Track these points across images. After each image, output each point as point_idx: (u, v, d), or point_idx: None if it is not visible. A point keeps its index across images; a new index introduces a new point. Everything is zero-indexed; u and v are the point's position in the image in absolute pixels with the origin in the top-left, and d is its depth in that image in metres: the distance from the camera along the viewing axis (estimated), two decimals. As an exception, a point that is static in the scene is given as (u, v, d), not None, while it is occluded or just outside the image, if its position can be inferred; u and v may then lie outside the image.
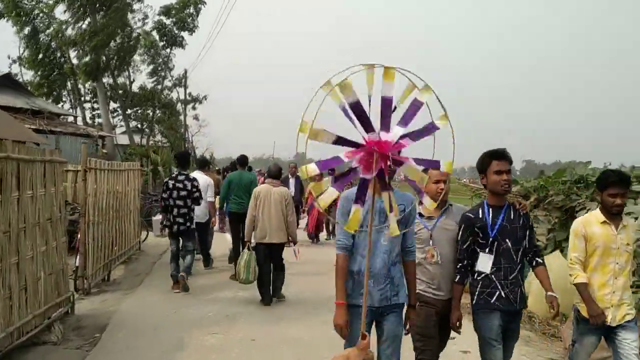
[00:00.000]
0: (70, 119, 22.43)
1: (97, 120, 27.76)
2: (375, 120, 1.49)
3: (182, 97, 27.73)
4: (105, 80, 26.73)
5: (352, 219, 1.61)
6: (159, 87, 27.57)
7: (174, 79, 28.04)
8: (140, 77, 46.91)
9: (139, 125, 28.78)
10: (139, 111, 26.84)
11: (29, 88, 23.91)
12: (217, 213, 10.95)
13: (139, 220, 11.52)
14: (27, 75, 28.10)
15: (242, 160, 9.61)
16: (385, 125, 1.49)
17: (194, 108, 28.76)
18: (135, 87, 27.74)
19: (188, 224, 8.03)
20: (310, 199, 12.01)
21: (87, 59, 21.34)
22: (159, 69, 29.43)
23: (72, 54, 22.76)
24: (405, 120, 1.51)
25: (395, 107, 1.53)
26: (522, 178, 11.33)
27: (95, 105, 27.10)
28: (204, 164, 10.53)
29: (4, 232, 4.62)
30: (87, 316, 6.42)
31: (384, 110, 1.47)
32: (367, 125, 1.48)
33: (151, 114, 26.83)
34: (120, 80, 27.57)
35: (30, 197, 5.22)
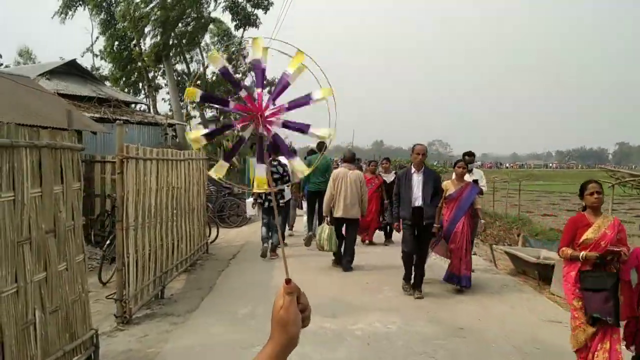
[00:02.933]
0: (144, 107, 21.43)
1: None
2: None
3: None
4: (178, 67, 25.59)
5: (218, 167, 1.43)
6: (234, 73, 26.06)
7: (249, 63, 26.33)
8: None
9: (216, 114, 27.54)
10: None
11: (107, 83, 23.19)
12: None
13: (204, 219, 9.79)
14: (105, 70, 27.58)
15: (320, 146, 9.76)
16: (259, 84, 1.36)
17: (269, 92, 26.94)
18: (209, 73, 26.44)
19: (279, 201, 9.16)
20: None
21: (156, 38, 20.18)
22: (233, 56, 28.03)
23: (142, 37, 21.58)
24: (274, 95, 1.37)
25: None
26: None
27: (167, 97, 25.89)
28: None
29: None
30: (116, 365, 4.61)
31: (257, 73, 1.38)
32: (237, 86, 1.37)
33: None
34: (194, 66, 26.42)
35: (11, 201, 3.41)
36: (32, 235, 3.63)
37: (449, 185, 7.39)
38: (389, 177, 11.17)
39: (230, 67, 1.34)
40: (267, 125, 1.37)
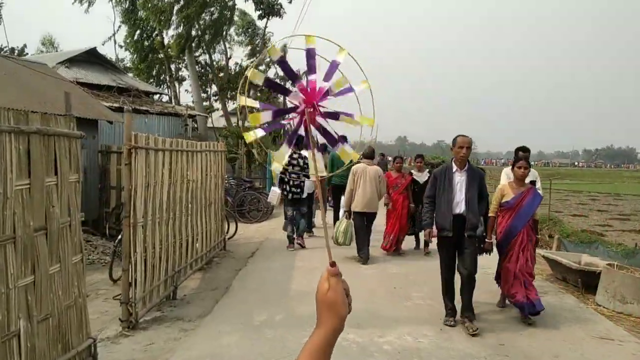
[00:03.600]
0: (165, 98, 21.06)
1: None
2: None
3: (280, 73, 25.26)
4: (201, 57, 25.11)
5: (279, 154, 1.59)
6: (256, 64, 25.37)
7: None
8: (238, 53, 45.97)
9: (236, 108, 27.09)
10: (235, 91, 24.62)
11: (130, 74, 22.92)
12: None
13: (222, 214, 9.31)
14: (128, 61, 27.26)
15: (344, 139, 9.33)
16: (311, 69, 1.50)
17: (293, 85, 26.16)
18: (232, 65, 25.93)
19: (301, 193, 9.43)
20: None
21: (179, 29, 19.74)
22: (257, 49, 27.53)
23: (164, 27, 21.09)
24: (327, 76, 1.51)
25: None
26: None
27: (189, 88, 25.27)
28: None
29: None
30: (116, 378, 4.14)
31: (309, 58, 1.51)
32: (294, 77, 1.52)
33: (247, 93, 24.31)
34: (217, 56, 25.95)
35: (-10, 195, 2.94)
36: (17, 234, 3.16)
37: (506, 190, 5.96)
38: (422, 177, 9.39)
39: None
40: (316, 115, 1.47)
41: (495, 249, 6.02)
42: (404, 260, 8.87)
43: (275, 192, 12.44)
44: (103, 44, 22.91)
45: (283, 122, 1.55)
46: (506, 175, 6.77)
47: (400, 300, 6.42)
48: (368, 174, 8.46)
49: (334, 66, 1.52)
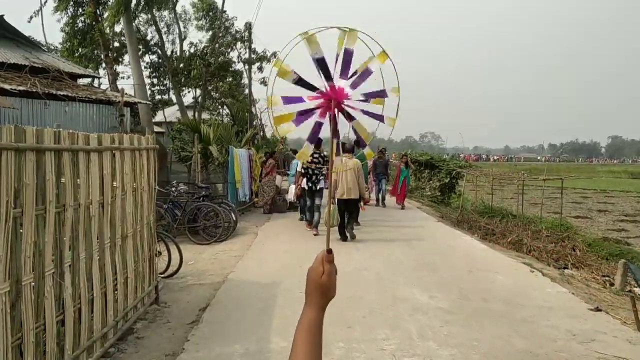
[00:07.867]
0: (104, 85, 17.35)
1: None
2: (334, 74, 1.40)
3: (245, 56, 21.31)
4: (149, 37, 21.47)
5: (302, 152, 1.55)
6: (216, 45, 21.54)
7: (234, 32, 22.02)
8: (195, 35, 42.41)
9: (194, 98, 23.36)
10: (190, 74, 20.58)
11: (63, 58, 19.11)
12: None
13: (152, 247, 5.91)
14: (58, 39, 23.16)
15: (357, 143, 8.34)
16: (345, 73, 1.43)
17: (260, 69, 22.38)
18: (186, 46, 22.20)
19: (319, 186, 10.89)
20: None
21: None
22: (220, 34, 24.05)
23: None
24: (354, 83, 1.44)
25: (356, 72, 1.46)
26: None
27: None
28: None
29: None
30: None
31: (345, 58, 1.41)
32: (328, 78, 1.43)
33: (204, 78, 20.44)
34: (170, 38, 22.30)
35: None
36: None
37: None
38: None
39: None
40: (344, 112, 1.43)
41: None
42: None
43: (291, 189, 13.18)
44: (29, 21, 18.91)
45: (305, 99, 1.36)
46: None
47: None
48: (347, 165, 9.66)
49: (366, 73, 1.41)
